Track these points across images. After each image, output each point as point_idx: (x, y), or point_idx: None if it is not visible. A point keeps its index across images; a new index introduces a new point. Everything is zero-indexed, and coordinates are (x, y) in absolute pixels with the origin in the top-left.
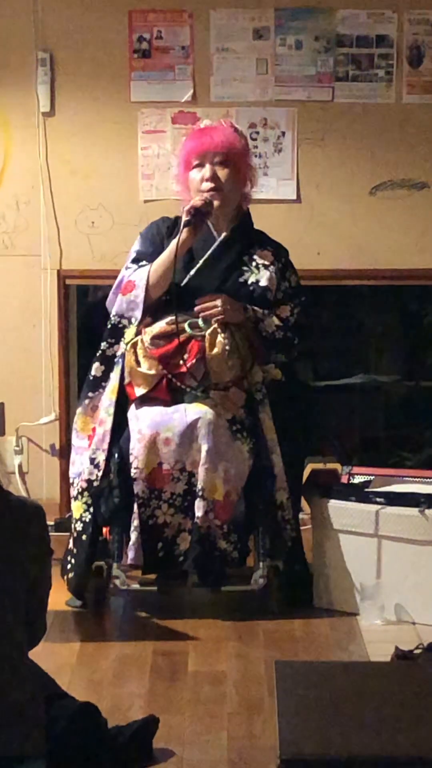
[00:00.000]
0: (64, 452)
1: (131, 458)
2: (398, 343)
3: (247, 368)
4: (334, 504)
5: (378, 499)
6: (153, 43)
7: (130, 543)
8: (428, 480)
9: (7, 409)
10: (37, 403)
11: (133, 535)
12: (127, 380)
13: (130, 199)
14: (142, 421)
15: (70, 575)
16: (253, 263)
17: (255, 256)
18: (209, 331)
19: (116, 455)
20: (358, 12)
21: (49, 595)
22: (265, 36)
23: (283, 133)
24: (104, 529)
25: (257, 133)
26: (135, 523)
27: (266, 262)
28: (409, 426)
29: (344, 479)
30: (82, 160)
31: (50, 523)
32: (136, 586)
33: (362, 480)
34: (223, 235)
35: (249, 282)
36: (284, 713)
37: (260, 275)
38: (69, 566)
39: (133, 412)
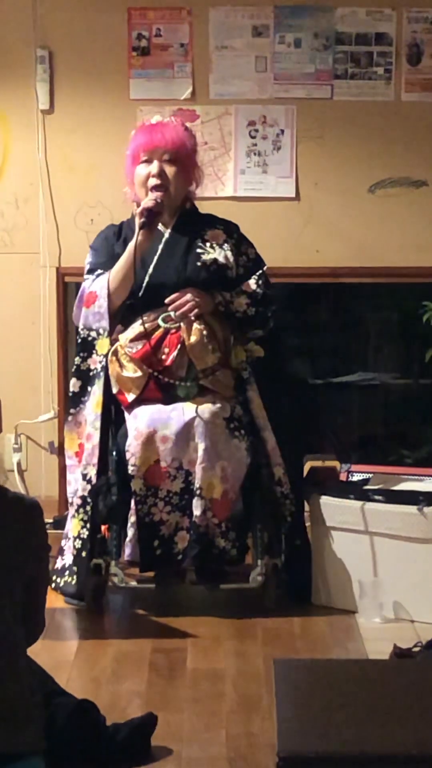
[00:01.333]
0: (62, 450)
1: (128, 455)
2: (397, 341)
3: (229, 348)
4: (332, 501)
5: (376, 497)
6: (152, 41)
7: (127, 539)
8: (427, 477)
9: (6, 406)
10: (36, 401)
11: (130, 532)
12: (116, 389)
13: (128, 197)
14: (140, 418)
15: (68, 587)
16: (207, 244)
17: (206, 237)
18: (183, 321)
19: (114, 453)
20: (357, 10)
21: (47, 592)
22: (264, 33)
23: (282, 131)
24: (102, 527)
25: (256, 130)
26: (132, 519)
27: (219, 241)
28: (408, 423)
29: (343, 477)
30: (81, 158)
31: (48, 520)
32: (134, 583)
33: (361, 478)
34: (169, 229)
35: (207, 262)
36: (283, 711)
37: (216, 253)
38: (63, 582)
39: (130, 412)
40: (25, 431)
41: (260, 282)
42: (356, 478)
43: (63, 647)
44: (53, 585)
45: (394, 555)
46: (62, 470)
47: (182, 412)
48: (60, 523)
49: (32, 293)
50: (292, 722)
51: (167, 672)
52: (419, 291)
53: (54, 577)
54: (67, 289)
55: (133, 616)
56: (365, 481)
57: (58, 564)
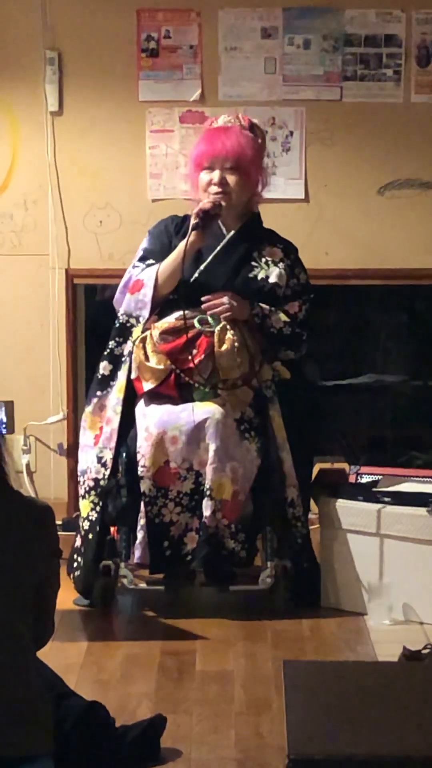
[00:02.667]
0: (71, 451)
1: (138, 456)
2: (406, 343)
3: (256, 366)
4: (341, 503)
5: (386, 499)
6: (161, 43)
7: (137, 542)
8: None
9: (15, 408)
10: (45, 403)
11: (140, 534)
12: (134, 375)
13: (137, 198)
14: (150, 419)
15: (77, 573)
16: (263, 260)
17: (264, 253)
18: (218, 327)
19: (124, 454)
20: (367, 11)
21: (57, 594)
22: (274, 35)
23: (291, 133)
24: (112, 529)
25: (265, 132)
26: (142, 521)
27: (275, 259)
28: (417, 425)
29: (352, 479)
30: (90, 159)
31: (58, 522)
32: (143, 585)
33: (370, 479)
34: (232, 232)
35: (258, 278)
36: (292, 713)
37: (269, 271)
38: (75, 564)
39: (141, 410)
40: (34, 433)
41: (304, 308)
42: (366, 479)
43: (72, 649)
44: (71, 577)
45: (403, 557)
46: (71, 472)
47: (192, 412)
48: (70, 525)
49: (41, 295)
50: (302, 724)
51: (176, 674)
52: (428, 292)
53: (69, 558)
54: (77, 290)
55: (142, 617)
56: (374, 483)
57: (77, 543)
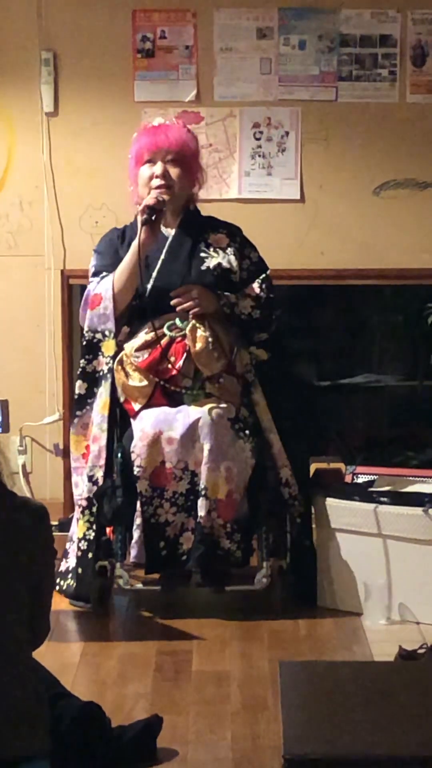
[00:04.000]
0: (67, 452)
1: (133, 456)
2: (402, 343)
3: (233, 355)
4: (338, 503)
5: (382, 499)
6: (156, 43)
7: (133, 541)
8: None
9: (11, 408)
10: (41, 403)
11: (136, 534)
12: (122, 398)
13: (132, 199)
14: (145, 420)
15: (70, 590)
16: (210, 248)
17: (210, 241)
18: (189, 328)
19: (119, 455)
20: (362, 12)
21: (52, 594)
22: (269, 36)
23: (287, 133)
24: (107, 529)
25: (261, 132)
26: (138, 521)
27: (222, 245)
28: (413, 425)
29: (348, 479)
30: (85, 160)
31: (54, 523)
32: (139, 585)
33: (366, 479)
34: (173, 230)
35: (211, 267)
36: (288, 713)
37: (220, 257)
38: (66, 585)
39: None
40: (30, 433)
41: (264, 286)
42: (362, 479)
43: (68, 649)
44: (57, 588)
45: (399, 557)
46: (67, 472)
47: (187, 413)
48: (65, 525)
49: (37, 296)
50: (298, 724)
51: (172, 674)
52: (424, 293)
53: (58, 580)
54: (72, 291)
55: (138, 618)
56: (371, 483)
57: (62, 567)
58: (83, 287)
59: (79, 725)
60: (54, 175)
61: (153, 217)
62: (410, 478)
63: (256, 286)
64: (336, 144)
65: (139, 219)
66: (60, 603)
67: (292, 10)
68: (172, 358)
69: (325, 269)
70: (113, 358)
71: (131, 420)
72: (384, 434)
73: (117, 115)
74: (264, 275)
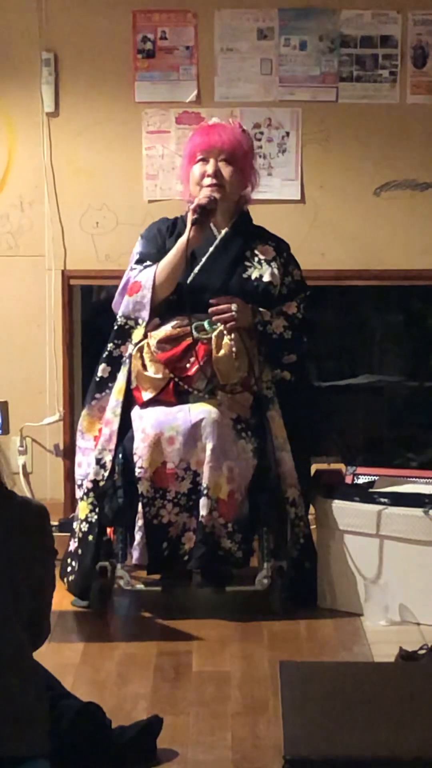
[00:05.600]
0: (68, 452)
1: (135, 458)
2: (402, 344)
3: (255, 371)
4: (338, 504)
5: (382, 500)
6: (157, 44)
7: (135, 543)
8: None
9: (11, 409)
10: (41, 404)
11: (138, 535)
12: (133, 384)
13: (134, 200)
14: (146, 420)
15: (71, 577)
16: (255, 258)
17: (256, 252)
18: (215, 333)
19: (120, 455)
20: (363, 12)
21: (53, 595)
22: (270, 36)
23: (288, 134)
24: (108, 530)
25: (261, 133)
26: (140, 522)
27: (268, 258)
28: (414, 426)
29: (349, 479)
30: (86, 161)
31: (54, 523)
32: (140, 586)
33: (367, 480)
34: (224, 231)
35: (252, 277)
36: (289, 713)
37: (263, 270)
38: (70, 569)
39: (137, 412)
40: (30, 434)
41: (301, 306)
42: (362, 480)
43: (69, 650)
44: (59, 571)
45: (399, 557)
46: (68, 473)
47: (189, 413)
48: (66, 525)
49: (38, 296)
50: (298, 725)
51: (173, 674)
52: (424, 293)
53: (62, 577)
54: (73, 291)
55: (139, 618)
56: (371, 484)
57: (71, 546)
58: (84, 288)
59: (79, 725)
60: (54, 176)
61: (204, 217)
62: (410, 479)
63: (293, 304)
64: (336, 145)
65: (189, 217)
66: (60, 603)
67: (293, 11)
68: (192, 359)
69: (325, 270)
70: (137, 345)
71: (132, 421)
72: (384, 435)
73: (117, 115)
74: (303, 295)
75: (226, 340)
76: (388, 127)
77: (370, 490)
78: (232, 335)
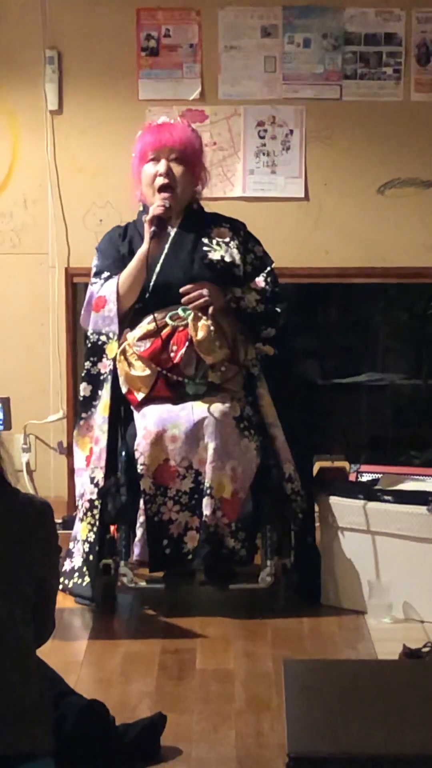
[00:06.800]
0: (71, 450)
1: (137, 454)
2: (406, 342)
3: (239, 346)
4: (342, 502)
5: (386, 497)
6: (161, 41)
7: (136, 539)
8: None
9: (15, 406)
10: (45, 401)
11: (139, 531)
12: (125, 389)
13: (135, 197)
14: (149, 418)
15: (78, 588)
16: (213, 242)
17: (213, 235)
18: (191, 317)
19: (123, 453)
20: (367, 10)
21: (57, 592)
22: (273, 34)
23: (291, 131)
24: (111, 528)
25: (265, 131)
26: (141, 519)
27: (225, 239)
28: (417, 424)
29: (352, 477)
30: (89, 158)
31: (57, 520)
32: (143, 583)
33: (370, 478)
34: (175, 230)
35: (214, 260)
36: (292, 711)
37: (222, 251)
38: (72, 584)
39: (139, 410)
40: (33, 432)
41: (268, 279)
42: (365, 478)
43: (72, 647)
44: (62, 586)
45: (403, 555)
46: (71, 471)
47: (192, 411)
48: (69, 523)
49: (41, 294)
50: (302, 723)
51: (176, 672)
52: (428, 291)
53: (63, 579)
54: (76, 289)
55: (143, 616)
56: (374, 482)
57: (67, 566)
58: (87, 285)
59: (82, 723)
60: (58, 173)
61: (161, 228)
62: (414, 476)
63: (260, 279)
64: (340, 142)
65: (147, 230)
66: (64, 601)
67: (297, 9)
68: (174, 348)
69: (329, 267)
70: (115, 359)
71: (134, 418)
72: (388, 433)
73: (121, 113)
74: (268, 269)
75: (202, 322)
76: (392, 124)
77: (374, 487)
78: (207, 316)
